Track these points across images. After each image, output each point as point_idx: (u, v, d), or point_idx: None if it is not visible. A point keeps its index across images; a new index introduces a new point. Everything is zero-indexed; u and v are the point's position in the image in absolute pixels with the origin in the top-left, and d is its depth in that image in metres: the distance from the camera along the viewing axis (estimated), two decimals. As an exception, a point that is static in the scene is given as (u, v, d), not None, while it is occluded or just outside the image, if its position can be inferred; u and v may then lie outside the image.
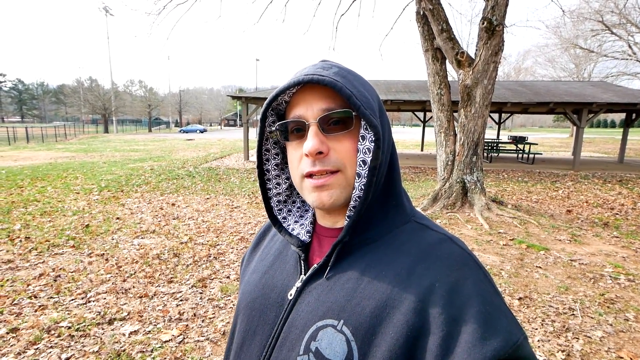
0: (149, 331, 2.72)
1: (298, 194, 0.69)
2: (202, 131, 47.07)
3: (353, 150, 0.54)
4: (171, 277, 3.67)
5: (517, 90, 14.10)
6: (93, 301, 3.14)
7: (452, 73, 6.96)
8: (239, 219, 5.86)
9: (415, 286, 0.49)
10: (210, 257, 4.24)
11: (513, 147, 16.09)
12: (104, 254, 4.27)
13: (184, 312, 3.00)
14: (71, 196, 7.28)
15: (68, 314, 2.91)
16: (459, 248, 0.53)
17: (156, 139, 30.46)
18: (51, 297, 3.19)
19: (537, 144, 16.36)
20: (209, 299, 3.25)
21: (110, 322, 2.81)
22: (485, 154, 14.18)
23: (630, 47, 23.07)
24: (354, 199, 0.55)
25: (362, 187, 0.54)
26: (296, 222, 0.66)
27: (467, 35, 33.78)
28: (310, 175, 0.54)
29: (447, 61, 6.56)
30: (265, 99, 12.97)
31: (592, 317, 3.02)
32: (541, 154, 15.59)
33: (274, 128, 0.59)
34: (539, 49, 33.78)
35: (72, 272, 3.72)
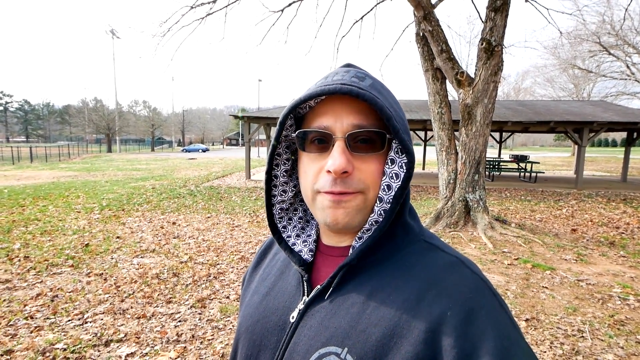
0: (146, 353, 2.65)
1: (301, 201, 0.65)
2: (204, 150, 47.41)
3: (379, 172, 0.51)
4: (170, 297, 3.60)
5: (518, 109, 14.23)
6: (90, 322, 3.07)
7: (452, 93, 7.06)
8: (239, 238, 5.80)
9: (425, 314, 0.45)
10: (210, 276, 4.18)
11: (515, 165, 16.10)
12: (102, 273, 4.21)
13: (182, 334, 2.92)
14: (72, 215, 7.26)
15: (64, 335, 2.84)
16: (471, 273, 0.50)
17: (159, 158, 30.67)
18: (48, 318, 3.12)
19: (539, 163, 16.37)
20: (208, 319, 3.18)
21: (106, 344, 2.74)
22: (487, 173, 14.17)
23: (628, 67, 23.33)
24: (369, 222, 0.52)
25: (383, 212, 0.51)
26: (298, 236, 0.62)
27: (467, 56, 34.43)
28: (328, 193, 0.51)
29: (447, 81, 6.64)
30: (266, 118, 13.16)
31: (602, 340, 2.93)
32: (543, 172, 15.57)
33: (293, 135, 0.55)
34: (537, 69, 34.26)
35: (70, 292, 3.66)
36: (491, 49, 5.88)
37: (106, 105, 54.65)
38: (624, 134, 18.74)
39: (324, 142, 0.51)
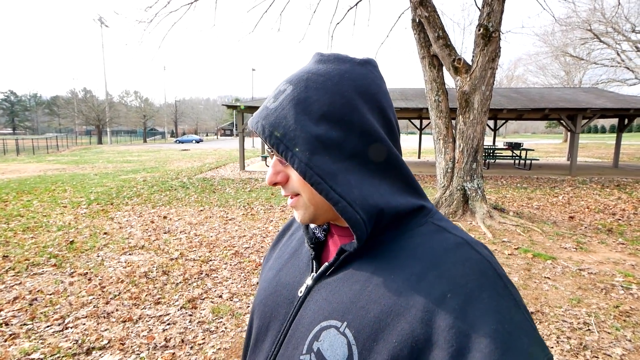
0: (132, 361, 2.48)
1: None
2: (198, 141, 46.86)
3: (300, 178, 0.52)
4: (159, 298, 3.42)
5: (512, 97, 14.11)
6: (71, 328, 2.88)
7: (449, 81, 6.87)
8: (233, 232, 5.62)
9: (424, 295, 0.44)
10: (202, 274, 4.00)
11: (509, 153, 16.07)
12: (87, 273, 4.01)
13: (170, 338, 2.75)
14: (57, 210, 7.00)
15: (42, 343, 2.65)
16: (477, 254, 0.47)
17: (151, 149, 30.15)
18: (24, 324, 2.92)
19: (533, 150, 16.35)
20: (199, 321, 3.01)
21: (88, 352, 2.55)
22: (483, 161, 14.11)
23: (618, 54, 23.37)
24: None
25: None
26: None
27: (461, 44, 34.04)
28: None
29: (444, 68, 6.46)
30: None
31: (609, 333, 2.84)
32: (538, 159, 15.56)
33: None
34: (529, 57, 34.23)
35: (50, 295, 3.45)
36: (489, 35, 5.70)
37: (96, 96, 53.37)
38: (612, 121, 18.85)
39: None
